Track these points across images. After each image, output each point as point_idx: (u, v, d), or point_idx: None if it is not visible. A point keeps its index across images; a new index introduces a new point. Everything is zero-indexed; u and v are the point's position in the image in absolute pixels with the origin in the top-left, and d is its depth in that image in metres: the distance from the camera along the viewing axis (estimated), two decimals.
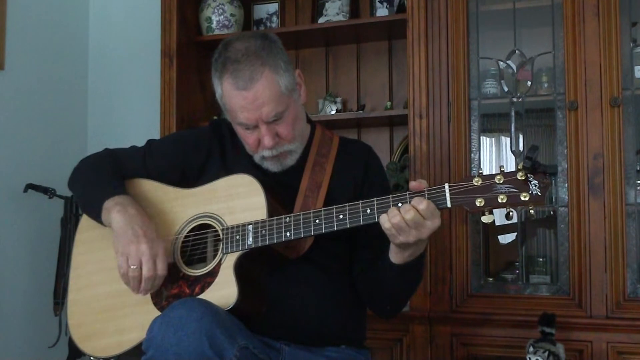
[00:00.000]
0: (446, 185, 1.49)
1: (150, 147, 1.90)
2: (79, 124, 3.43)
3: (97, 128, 3.45)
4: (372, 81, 3.12)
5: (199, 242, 1.73)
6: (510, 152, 2.58)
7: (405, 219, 1.47)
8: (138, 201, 1.75)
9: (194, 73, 3.09)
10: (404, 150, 2.96)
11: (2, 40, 2.94)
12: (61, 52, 3.32)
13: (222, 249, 1.65)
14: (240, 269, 1.61)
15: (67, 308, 1.83)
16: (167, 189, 1.80)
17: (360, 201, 1.55)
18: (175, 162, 1.85)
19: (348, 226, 1.56)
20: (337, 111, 3.00)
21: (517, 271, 2.60)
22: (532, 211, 1.47)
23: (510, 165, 2.69)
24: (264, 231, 1.61)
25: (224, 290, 1.59)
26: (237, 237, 1.64)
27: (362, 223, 1.54)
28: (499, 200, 1.45)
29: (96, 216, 1.74)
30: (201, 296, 1.61)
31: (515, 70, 2.60)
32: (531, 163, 1.42)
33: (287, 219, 1.61)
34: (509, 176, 1.46)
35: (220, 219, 1.69)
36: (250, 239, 1.62)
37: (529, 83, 2.59)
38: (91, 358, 1.86)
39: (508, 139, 2.61)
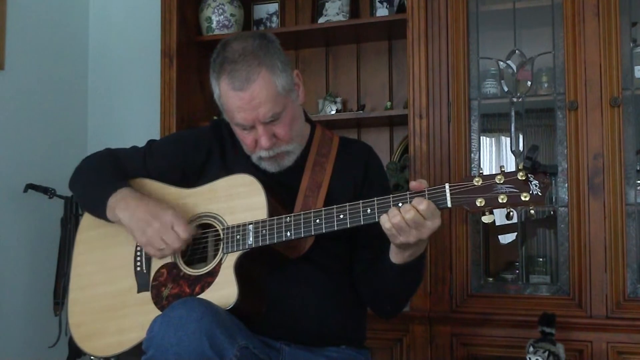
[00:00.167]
0: (446, 185, 1.49)
1: (151, 147, 1.90)
2: (79, 124, 3.43)
3: (97, 128, 3.45)
4: (372, 81, 3.12)
5: (200, 241, 1.73)
6: (510, 152, 2.58)
7: (405, 219, 1.47)
8: None
9: (194, 73, 3.09)
10: (404, 150, 2.96)
11: (2, 40, 2.94)
12: (61, 52, 3.32)
13: (223, 248, 1.65)
14: (241, 269, 1.62)
15: (68, 307, 1.83)
16: (167, 189, 1.80)
17: (361, 201, 1.55)
18: (175, 162, 1.85)
19: (348, 226, 1.56)
20: (337, 111, 3.00)
21: (517, 271, 2.60)
22: (532, 211, 1.47)
23: (510, 165, 2.69)
24: (264, 231, 1.61)
25: (224, 290, 1.60)
26: (238, 236, 1.64)
27: (362, 223, 1.54)
28: (500, 201, 1.45)
29: (101, 214, 1.75)
30: (201, 296, 1.61)
31: (515, 70, 2.60)
32: (531, 163, 1.42)
33: (288, 219, 1.61)
34: (509, 176, 1.46)
35: (220, 218, 1.69)
36: (251, 239, 1.62)
37: (529, 83, 2.59)
38: (91, 357, 1.86)
39: (508, 139, 2.61)
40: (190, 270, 1.69)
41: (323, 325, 1.71)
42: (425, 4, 2.59)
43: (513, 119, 2.56)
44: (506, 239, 2.78)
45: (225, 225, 1.67)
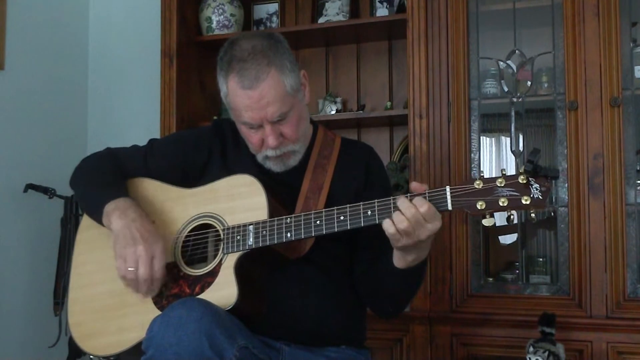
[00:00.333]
0: (447, 188, 1.48)
1: (152, 146, 1.90)
2: (79, 124, 3.43)
3: (97, 128, 3.45)
4: (372, 81, 3.12)
5: (200, 241, 1.73)
6: (510, 152, 2.58)
7: (406, 216, 1.47)
8: (139, 201, 1.75)
9: (194, 73, 3.09)
10: (404, 150, 2.96)
11: (2, 40, 2.94)
12: (61, 52, 3.32)
13: (223, 249, 1.65)
14: (241, 269, 1.61)
15: (68, 307, 1.83)
16: (168, 189, 1.80)
17: (362, 203, 1.55)
18: (176, 162, 1.85)
19: (349, 227, 1.55)
20: (337, 111, 2.99)
21: (517, 271, 2.60)
22: (533, 214, 1.46)
23: (510, 165, 2.70)
24: (264, 231, 1.61)
25: (224, 290, 1.59)
26: (238, 237, 1.63)
27: (362, 225, 1.54)
28: (500, 204, 1.44)
29: (97, 218, 1.75)
30: (201, 296, 1.61)
31: (515, 70, 2.60)
32: (533, 166, 1.42)
33: (288, 220, 1.60)
34: (510, 179, 1.46)
35: (221, 218, 1.69)
36: (251, 239, 1.62)
37: (529, 83, 2.59)
38: (91, 357, 1.86)
39: (508, 139, 2.61)
40: (191, 270, 1.69)
41: (323, 325, 1.71)
42: (425, 4, 2.59)
43: (513, 119, 2.56)
44: (507, 239, 2.78)
45: (226, 225, 1.67)
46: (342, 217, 1.56)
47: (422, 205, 1.46)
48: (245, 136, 1.76)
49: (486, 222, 1.47)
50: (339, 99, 3.04)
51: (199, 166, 1.83)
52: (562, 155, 2.45)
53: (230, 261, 1.62)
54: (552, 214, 2.53)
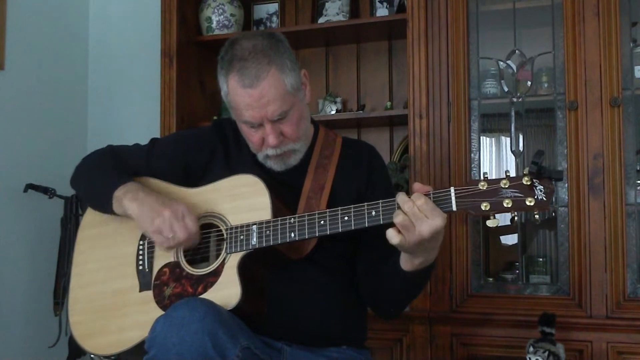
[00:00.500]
0: (452, 189, 1.48)
1: (154, 145, 1.90)
2: (79, 124, 3.43)
3: (97, 128, 3.45)
4: (372, 81, 3.12)
5: (203, 241, 1.72)
6: (510, 152, 2.58)
7: (403, 210, 1.45)
8: None
9: (194, 73, 3.09)
10: (404, 150, 2.96)
11: (2, 40, 2.94)
12: (61, 52, 3.32)
13: (226, 248, 1.65)
14: (244, 269, 1.62)
15: (69, 305, 1.83)
16: (170, 188, 1.79)
17: (366, 203, 1.54)
18: (177, 162, 1.85)
19: (353, 228, 1.55)
20: (337, 111, 3.00)
21: (517, 271, 2.60)
22: (537, 216, 1.46)
23: (510, 165, 2.70)
24: (268, 232, 1.61)
25: (226, 290, 1.60)
26: (241, 237, 1.63)
27: (367, 225, 1.53)
28: (505, 205, 1.44)
29: (107, 208, 1.75)
30: (204, 296, 1.61)
31: (515, 70, 2.60)
32: (537, 168, 1.42)
33: (292, 220, 1.60)
34: (514, 181, 1.45)
35: (224, 218, 1.69)
36: (255, 239, 1.62)
37: (529, 83, 2.59)
38: (92, 356, 1.86)
39: (508, 139, 2.62)
40: (193, 269, 1.69)
41: (324, 326, 1.71)
42: (425, 4, 2.59)
43: (513, 119, 2.56)
44: (509, 240, 2.78)
45: (229, 225, 1.67)
46: (346, 218, 1.55)
47: (419, 199, 1.45)
48: (245, 135, 1.76)
49: (490, 222, 1.47)
50: (339, 99, 3.04)
51: (200, 166, 1.83)
52: (562, 155, 2.46)
53: (233, 261, 1.63)
54: (553, 214, 2.54)
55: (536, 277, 2.60)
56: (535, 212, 1.46)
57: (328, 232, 1.57)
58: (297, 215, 1.61)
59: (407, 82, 2.62)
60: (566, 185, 2.44)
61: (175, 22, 2.95)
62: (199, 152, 1.84)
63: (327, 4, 3.00)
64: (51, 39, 3.25)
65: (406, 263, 1.57)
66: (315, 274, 1.72)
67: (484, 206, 1.45)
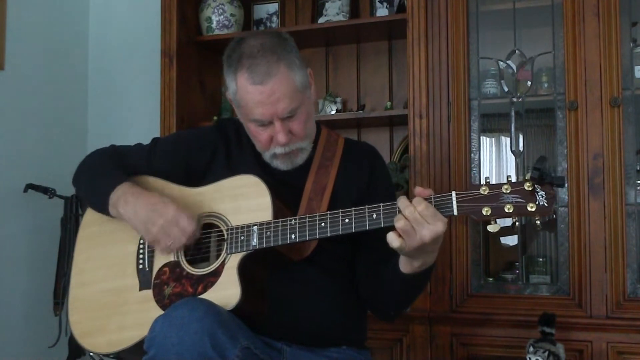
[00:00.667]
0: (453, 193, 1.47)
1: (155, 145, 1.90)
2: (79, 124, 3.43)
3: (97, 128, 3.45)
4: (372, 81, 3.12)
5: (203, 241, 1.72)
6: (510, 152, 2.58)
7: (404, 214, 1.46)
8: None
9: (194, 73, 3.09)
10: (404, 150, 2.96)
11: (2, 40, 2.94)
12: (61, 52, 3.32)
13: (226, 249, 1.65)
14: (244, 270, 1.61)
15: (69, 304, 1.83)
16: (171, 188, 1.79)
17: (367, 206, 1.54)
18: (179, 162, 1.84)
19: (354, 230, 1.55)
20: (337, 111, 3.00)
21: (517, 271, 2.60)
22: (538, 222, 1.46)
23: (510, 165, 2.70)
24: (269, 232, 1.61)
25: (226, 291, 1.59)
26: (242, 237, 1.63)
27: (367, 228, 1.53)
28: (506, 210, 1.44)
29: (104, 211, 1.76)
30: (204, 296, 1.61)
31: (515, 70, 2.60)
32: (539, 174, 1.41)
33: (293, 222, 1.60)
34: (516, 186, 1.45)
35: (224, 218, 1.69)
36: (255, 240, 1.62)
37: (529, 83, 2.59)
38: (91, 354, 1.86)
39: (508, 139, 2.62)
40: (193, 269, 1.68)
41: (324, 326, 1.71)
42: (425, 4, 2.59)
43: (513, 119, 2.56)
44: (509, 240, 2.78)
45: (230, 225, 1.67)
46: (347, 220, 1.55)
47: (420, 204, 1.45)
48: (253, 135, 1.76)
49: (491, 228, 1.47)
50: (339, 99, 3.04)
51: (202, 166, 1.83)
52: (562, 155, 2.46)
53: (233, 261, 1.62)
54: (553, 215, 2.53)
55: (536, 277, 2.60)
56: (537, 218, 1.46)
57: (329, 234, 1.57)
58: (297, 217, 1.61)
59: (407, 82, 2.62)
60: (566, 185, 2.44)
61: (175, 22, 2.95)
62: (201, 152, 1.84)
63: (327, 4, 3.00)
64: (51, 39, 3.25)
65: (405, 266, 1.57)
66: (315, 275, 1.72)
67: (485, 211, 1.45)
